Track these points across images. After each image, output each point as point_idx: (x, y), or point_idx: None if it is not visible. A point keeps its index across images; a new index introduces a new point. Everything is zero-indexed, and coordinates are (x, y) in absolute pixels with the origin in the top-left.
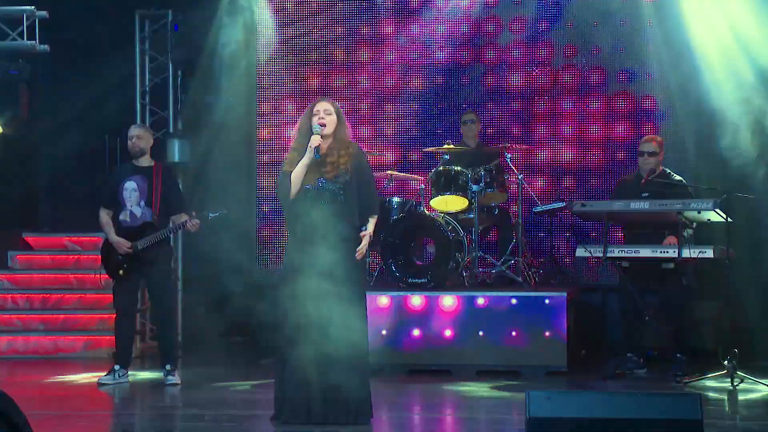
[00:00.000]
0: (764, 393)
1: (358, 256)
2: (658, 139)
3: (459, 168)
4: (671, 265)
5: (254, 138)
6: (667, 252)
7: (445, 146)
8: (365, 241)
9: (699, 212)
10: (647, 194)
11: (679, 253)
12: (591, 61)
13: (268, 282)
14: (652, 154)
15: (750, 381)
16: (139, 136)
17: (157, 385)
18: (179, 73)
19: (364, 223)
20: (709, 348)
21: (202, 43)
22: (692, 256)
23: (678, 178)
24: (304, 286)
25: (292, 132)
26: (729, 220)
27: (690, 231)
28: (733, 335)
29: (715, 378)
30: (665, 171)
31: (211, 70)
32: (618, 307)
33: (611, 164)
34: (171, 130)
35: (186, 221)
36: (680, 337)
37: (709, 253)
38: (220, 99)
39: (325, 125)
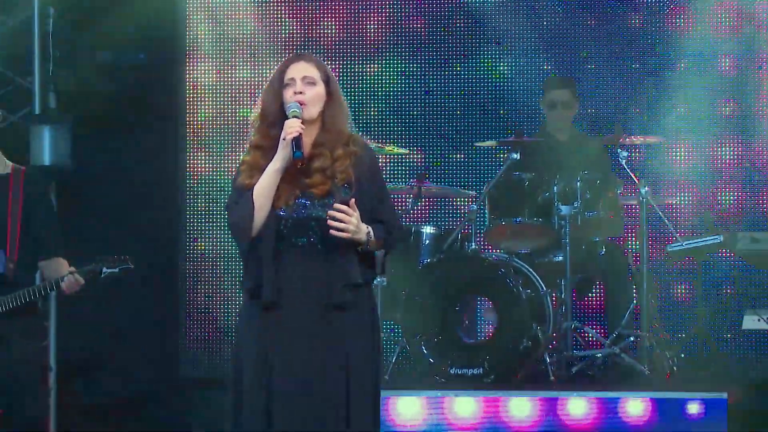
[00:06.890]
0: None
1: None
2: None
3: (536, 176)
4: None
5: (184, 126)
6: None
7: (513, 138)
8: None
9: None
10: None
11: None
12: None
13: (204, 378)
14: None
15: None
16: None
17: None
18: (50, 11)
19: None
20: None
21: None
22: None
23: None
24: (271, 389)
25: (251, 115)
26: None
27: None
28: None
29: None
30: None
31: (107, 10)
32: None
33: None
34: (37, 109)
35: (65, 276)
36: None
37: None
38: (125, 58)
39: (305, 103)
